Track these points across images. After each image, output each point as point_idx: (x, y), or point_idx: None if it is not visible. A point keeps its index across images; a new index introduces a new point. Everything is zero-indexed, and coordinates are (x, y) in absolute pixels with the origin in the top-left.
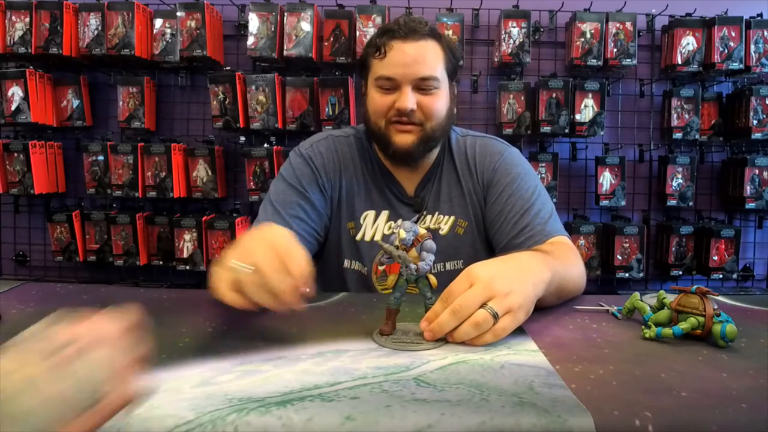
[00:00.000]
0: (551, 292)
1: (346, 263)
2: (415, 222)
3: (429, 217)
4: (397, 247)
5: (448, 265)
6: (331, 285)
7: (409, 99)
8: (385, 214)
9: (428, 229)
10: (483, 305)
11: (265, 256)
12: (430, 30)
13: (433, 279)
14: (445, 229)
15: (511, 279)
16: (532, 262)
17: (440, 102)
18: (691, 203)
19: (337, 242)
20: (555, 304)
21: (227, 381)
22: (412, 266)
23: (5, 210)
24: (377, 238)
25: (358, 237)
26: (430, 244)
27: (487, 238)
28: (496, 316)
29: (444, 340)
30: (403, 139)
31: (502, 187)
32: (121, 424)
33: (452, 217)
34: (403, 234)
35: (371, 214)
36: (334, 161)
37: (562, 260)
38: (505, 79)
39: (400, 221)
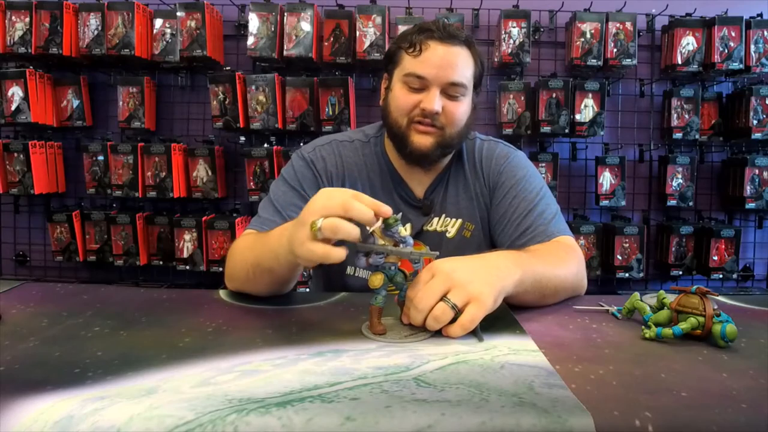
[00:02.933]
0: (527, 290)
1: (349, 270)
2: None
3: (436, 219)
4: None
5: None
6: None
7: (436, 101)
8: None
9: (435, 231)
10: (443, 298)
11: (336, 198)
12: (466, 38)
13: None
14: (452, 231)
15: (472, 270)
16: (499, 259)
17: (463, 109)
18: (691, 203)
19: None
20: (543, 304)
21: (227, 381)
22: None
23: (5, 210)
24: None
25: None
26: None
27: (492, 241)
28: (455, 308)
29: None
30: (422, 140)
31: (506, 189)
32: (121, 423)
33: (459, 220)
34: (379, 231)
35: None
36: (337, 166)
37: (544, 259)
38: (505, 79)
39: (407, 226)
